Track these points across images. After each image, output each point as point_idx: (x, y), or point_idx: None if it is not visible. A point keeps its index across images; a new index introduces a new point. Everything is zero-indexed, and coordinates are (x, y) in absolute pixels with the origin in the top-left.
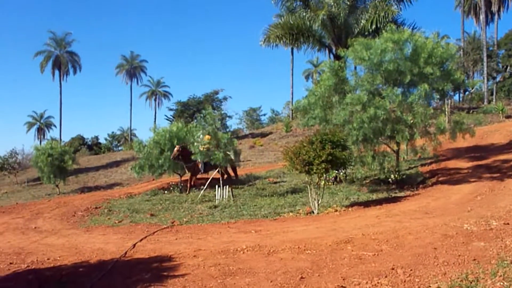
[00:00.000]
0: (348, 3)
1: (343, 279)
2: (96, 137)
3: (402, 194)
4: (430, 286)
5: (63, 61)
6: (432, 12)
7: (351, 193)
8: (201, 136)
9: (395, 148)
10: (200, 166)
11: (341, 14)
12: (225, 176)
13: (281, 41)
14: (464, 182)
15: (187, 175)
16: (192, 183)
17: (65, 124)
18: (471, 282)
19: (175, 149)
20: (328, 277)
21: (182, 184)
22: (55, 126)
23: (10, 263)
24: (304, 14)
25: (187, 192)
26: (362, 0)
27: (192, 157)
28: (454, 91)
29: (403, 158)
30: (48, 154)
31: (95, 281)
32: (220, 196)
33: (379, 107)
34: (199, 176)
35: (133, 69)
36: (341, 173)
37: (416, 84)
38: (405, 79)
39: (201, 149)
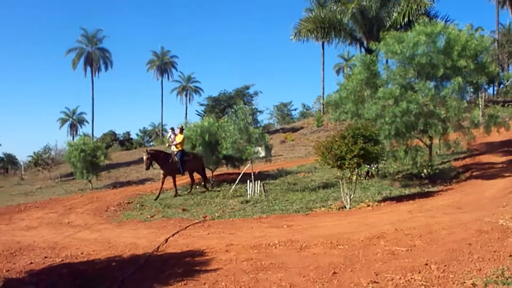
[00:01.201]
0: None
1: (376, 275)
2: (128, 133)
3: (435, 189)
4: (465, 282)
5: (94, 58)
6: (466, 4)
7: (384, 188)
8: (171, 136)
9: (428, 142)
10: (178, 166)
11: (373, 7)
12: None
13: (312, 35)
14: (499, 177)
15: (206, 172)
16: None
17: (97, 120)
18: (507, 279)
19: (144, 158)
20: (360, 273)
21: (214, 179)
22: (87, 122)
23: (45, 257)
24: (334, 7)
25: (174, 195)
26: None
27: (224, 152)
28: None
29: (436, 152)
30: (81, 149)
31: (128, 275)
32: (251, 191)
33: (411, 101)
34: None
35: (163, 65)
36: (373, 168)
37: (449, 78)
38: (438, 73)
39: (173, 149)
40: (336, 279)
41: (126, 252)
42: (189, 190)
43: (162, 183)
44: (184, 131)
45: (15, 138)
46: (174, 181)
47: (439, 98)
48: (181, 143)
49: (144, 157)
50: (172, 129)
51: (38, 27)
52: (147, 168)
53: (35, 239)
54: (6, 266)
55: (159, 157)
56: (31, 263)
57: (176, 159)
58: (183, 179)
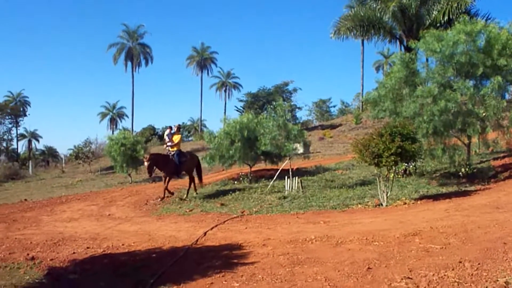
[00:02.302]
0: None
1: (410, 271)
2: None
3: (472, 188)
4: (497, 280)
5: (135, 53)
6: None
7: (421, 186)
8: (168, 135)
9: (466, 141)
10: (175, 167)
11: (413, 6)
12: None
13: (351, 33)
14: None
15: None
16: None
17: (136, 115)
18: None
19: (145, 163)
20: (395, 269)
21: (252, 175)
22: (127, 116)
23: (87, 248)
24: (374, 5)
25: (162, 197)
26: None
27: (263, 148)
28: None
29: (475, 151)
30: (121, 144)
31: (168, 267)
32: (289, 187)
33: (450, 99)
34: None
35: (203, 61)
36: (411, 166)
37: (489, 76)
38: (477, 71)
39: (170, 149)
40: (370, 274)
41: (165, 244)
42: (185, 195)
43: (167, 183)
44: (180, 129)
45: (56, 131)
46: (166, 183)
47: (478, 97)
48: (178, 144)
49: (145, 164)
50: (170, 127)
51: (80, 22)
52: (150, 175)
53: (77, 230)
54: (50, 255)
55: (159, 161)
56: (74, 253)
57: (174, 160)
58: (224, 174)
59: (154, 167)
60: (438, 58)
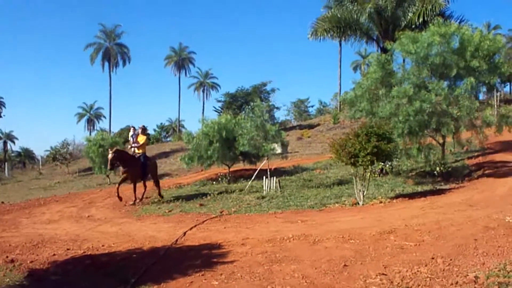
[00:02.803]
0: None
1: (385, 267)
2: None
3: (447, 186)
4: (468, 275)
5: (112, 53)
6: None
7: (397, 185)
8: (132, 136)
9: (441, 141)
10: (141, 171)
11: (388, 7)
12: (144, 188)
13: (329, 35)
14: (511, 175)
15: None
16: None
17: (114, 115)
18: (508, 272)
19: (109, 156)
20: (370, 265)
21: (230, 175)
22: (104, 117)
23: (67, 249)
24: (351, 7)
25: (134, 202)
26: None
27: (241, 148)
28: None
29: (450, 151)
30: (99, 145)
31: (148, 266)
32: (267, 187)
33: (424, 100)
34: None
35: (181, 61)
36: (387, 165)
37: (463, 77)
38: (451, 73)
39: (135, 151)
40: (346, 271)
41: (146, 244)
42: (140, 199)
43: (135, 187)
44: (146, 131)
45: (32, 132)
46: (135, 187)
47: (452, 98)
48: (144, 146)
49: (109, 156)
50: (134, 128)
51: (56, 22)
52: (111, 168)
53: (57, 232)
54: (30, 258)
55: (125, 159)
56: (54, 254)
57: (141, 161)
58: (203, 174)
59: (117, 163)
60: (413, 59)
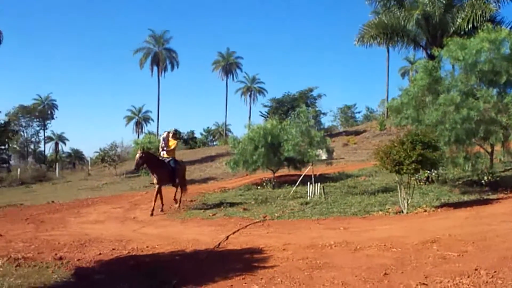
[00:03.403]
0: (444, 1)
1: (426, 277)
2: (192, 132)
3: (494, 196)
4: None
5: (161, 58)
6: None
7: (442, 194)
8: (163, 140)
9: (489, 149)
10: (171, 175)
11: (436, 13)
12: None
13: (375, 41)
14: None
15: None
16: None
17: (162, 119)
18: None
19: (137, 155)
20: (411, 275)
21: (275, 180)
22: (152, 120)
23: (113, 249)
24: (398, 13)
25: (151, 213)
26: None
27: (286, 154)
28: None
29: (500, 159)
30: (146, 147)
31: (190, 269)
32: (311, 193)
33: (472, 108)
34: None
35: (229, 66)
36: (433, 174)
37: None
38: (501, 80)
39: (164, 155)
40: (386, 279)
41: (188, 247)
42: (177, 205)
43: (157, 193)
44: (177, 135)
45: (82, 134)
46: (158, 193)
47: (501, 105)
48: (173, 150)
49: (137, 156)
50: (168, 132)
51: (108, 27)
52: (136, 169)
53: (103, 232)
54: (76, 256)
55: (153, 161)
56: (100, 254)
57: (169, 165)
58: (247, 179)
59: (144, 165)
60: (461, 66)
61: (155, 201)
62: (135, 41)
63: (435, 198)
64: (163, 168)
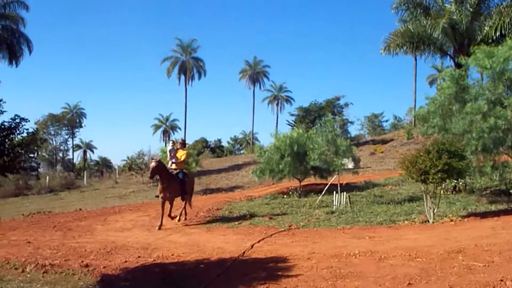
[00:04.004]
0: (471, 9)
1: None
2: (219, 140)
3: None
4: None
5: (188, 67)
6: None
7: (469, 204)
8: (171, 150)
9: None
10: (181, 188)
11: (463, 21)
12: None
13: (401, 50)
14: None
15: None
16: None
17: (189, 127)
18: None
19: (152, 164)
20: (435, 285)
21: (301, 189)
22: (179, 128)
23: (138, 257)
24: (424, 22)
25: (159, 227)
26: (486, 6)
27: (312, 163)
28: None
29: None
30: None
31: (214, 277)
32: (337, 202)
33: (499, 116)
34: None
35: (256, 74)
36: (460, 183)
37: None
38: None
39: (173, 167)
40: None
41: (213, 255)
42: (184, 218)
43: (163, 206)
44: (186, 145)
45: (110, 142)
46: (164, 206)
47: None
48: (183, 162)
49: (152, 164)
50: (173, 142)
51: (134, 36)
52: (151, 177)
53: (129, 240)
54: (103, 263)
55: (164, 173)
56: (126, 261)
57: (179, 178)
58: (273, 187)
59: (157, 176)
60: (489, 75)
61: (162, 215)
62: (163, 50)
63: (462, 208)
64: (174, 181)
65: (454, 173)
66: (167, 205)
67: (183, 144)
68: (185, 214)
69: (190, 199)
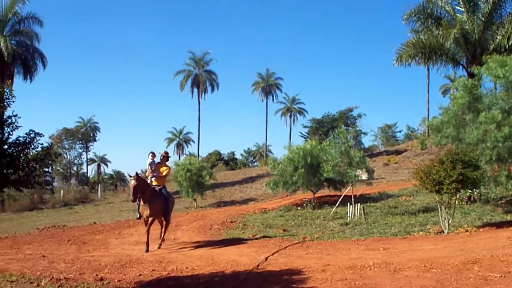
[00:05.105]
0: (483, 19)
1: None
2: (232, 153)
3: None
4: None
5: (201, 80)
6: None
7: (485, 214)
8: (151, 163)
9: None
10: (162, 206)
11: (475, 31)
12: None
13: (414, 60)
14: None
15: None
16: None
17: (202, 140)
18: None
19: (131, 182)
20: None
21: (315, 201)
22: (193, 141)
23: (153, 270)
24: (436, 32)
25: (147, 249)
26: (498, 15)
27: (325, 175)
28: None
29: None
30: (187, 169)
31: None
32: (351, 213)
33: None
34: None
35: (268, 87)
36: (475, 193)
37: None
38: None
39: (154, 183)
40: None
41: (228, 268)
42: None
43: (149, 228)
44: (169, 158)
45: (124, 156)
46: (149, 227)
47: None
48: (164, 178)
49: (132, 183)
50: (153, 154)
51: (146, 50)
52: (133, 200)
53: (144, 253)
54: (117, 277)
55: (146, 190)
56: (140, 275)
57: (162, 195)
58: (287, 200)
59: (140, 194)
60: (502, 84)
61: (148, 236)
62: (176, 63)
63: (477, 218)
64: (158, 197)
65: (469, 183)
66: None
67: (166, 157)
68: (163, 239)
69: (168, 222)
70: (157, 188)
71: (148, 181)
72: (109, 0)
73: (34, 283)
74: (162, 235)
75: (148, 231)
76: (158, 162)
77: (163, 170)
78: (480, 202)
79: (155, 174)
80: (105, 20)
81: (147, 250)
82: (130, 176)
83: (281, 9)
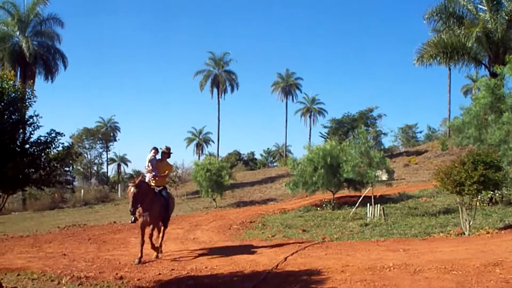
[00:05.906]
0: (507, 17)
1: None
2: (252, 153)
3: None
4: None
5: (221, 80)
6: None
7: (507, 215)
8: (152, 159)
9: None
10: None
11: (498, 30)
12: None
13: (435, 60)
14: None
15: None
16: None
17: (222, 140)
18: None
19: (131, 189)
20: None
21: (335, 201)
22: (212, 141)
23: (172, 270)
24: (458, 31)
25: (139, 260)
26: None
27: (345, 175)
28: None
29: None
30: (207, 169)
31: None
32: (371, 214)
33: None
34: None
35: (288, 87)
36: (497, 194)
37: None
38: None
39: (153, 183)
40: None
41: (247, 268)
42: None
43: (144, 235)
44: (171, 155)
45: (144, 156)
46: (149, 233)
47: None
48: (165, 177)
49: (131, 190)
50: (155, 149)
51: (167, 50)
52: (134, 210)
53: (163, 253)
54: (137, 276)
55: (147, 195)
56: (159, 274)
57: (163, 198)
58: (307, 200)
59: (140, 202)
60: None
61: (142, 243)
62: (196, 63)
63: (499, 220)
64: (159, 200)
65: (490, 184)
66: (148, 230)
67: (168, 154)
68: (160, 247)
69: (166, 226)
70: (156, 190)
71: (147, 179)
72: (131, 1)
73: (55, 281)
74: (160, 241)
75: (143, 240)
76: (159, 159)
77: (165, 170)
78: (502, 204)
79: (155, 173)
80: (126, 19)
81: (140, 261)
82: (130, 183)
83: (301, 9)
